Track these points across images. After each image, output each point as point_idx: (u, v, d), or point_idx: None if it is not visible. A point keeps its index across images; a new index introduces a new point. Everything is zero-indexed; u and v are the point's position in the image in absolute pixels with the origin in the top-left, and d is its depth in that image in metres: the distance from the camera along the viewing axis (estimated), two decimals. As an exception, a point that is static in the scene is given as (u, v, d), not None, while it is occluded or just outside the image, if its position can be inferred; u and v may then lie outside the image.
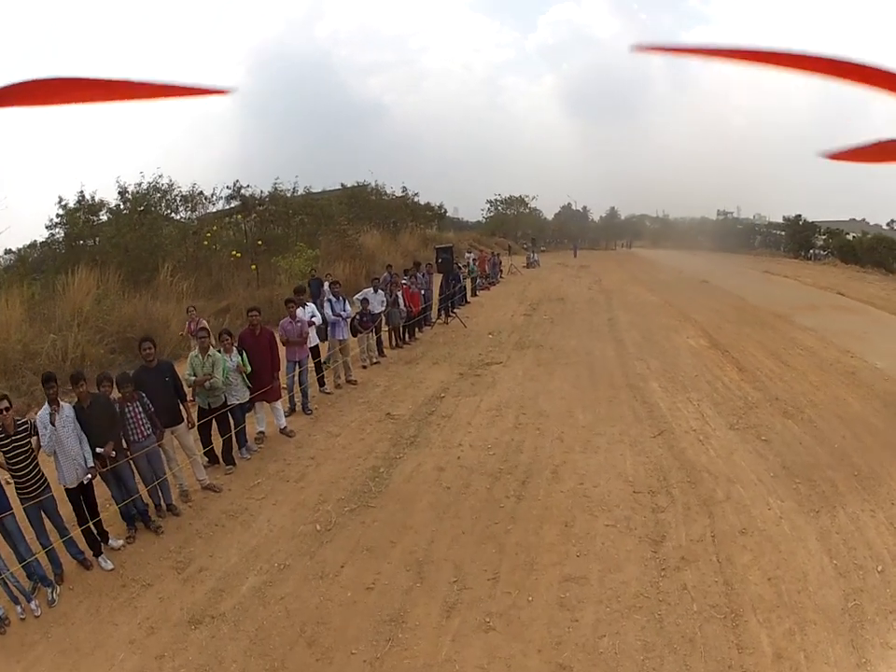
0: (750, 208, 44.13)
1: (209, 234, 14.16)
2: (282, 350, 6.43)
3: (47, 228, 14.15)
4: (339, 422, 6.75)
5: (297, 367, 6.76)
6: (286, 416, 6.48)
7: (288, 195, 17.62)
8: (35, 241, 15.82)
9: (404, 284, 10.52)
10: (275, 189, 17.31)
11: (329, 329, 7.85)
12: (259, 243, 14.94)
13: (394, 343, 10.15)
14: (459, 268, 14.81)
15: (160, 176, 14.64)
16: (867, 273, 25.26)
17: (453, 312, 12.79)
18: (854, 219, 37.74)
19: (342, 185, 25.22)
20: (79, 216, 13.60)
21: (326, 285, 9.11)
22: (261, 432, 6.13)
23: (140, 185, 14.28)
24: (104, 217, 13.84)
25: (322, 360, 7.74)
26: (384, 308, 9.33)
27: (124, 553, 4.36)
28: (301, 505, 4.99)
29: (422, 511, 4.86)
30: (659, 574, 4.03)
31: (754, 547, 4.29)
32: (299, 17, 71.62)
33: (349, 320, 8.18)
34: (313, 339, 7.20)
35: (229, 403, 5.53)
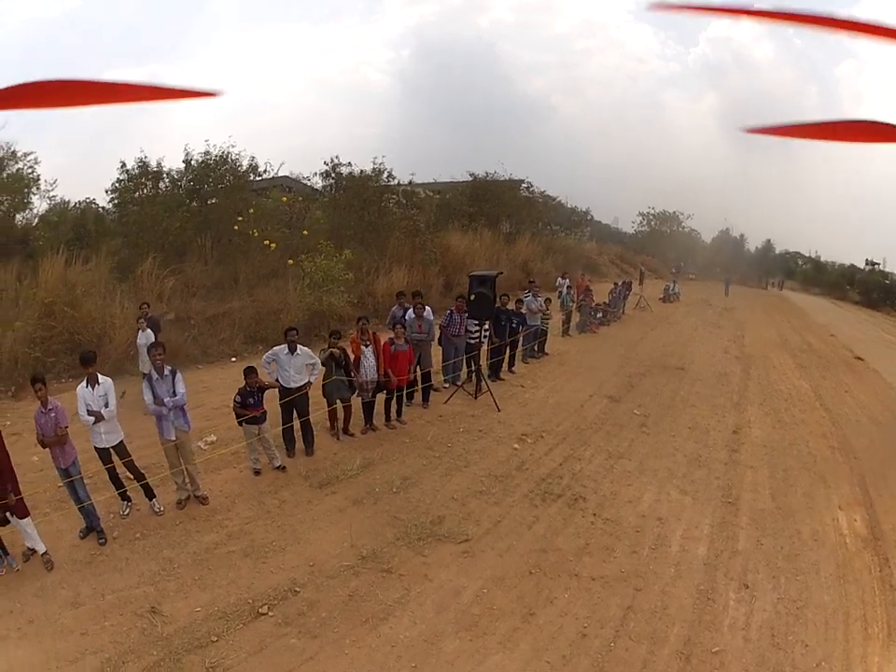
0: (902, 262, 37.57)
1: (241, 218, 12.09)
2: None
3: (107, 192, 12.81)
4: (101, 586, 3.93)
5: (67, 475, 4.45)
6: (81, 535, 4.52)
7: (385, 180, 15.11)
8: (89, 199, 14.85)
9: (384, 332, 6.99)
10: (374, 170, 14.90)
11: (157, 423, 4.98)
12: (305, 233, 12.58)
13: (336, 430, 6.45)
14: (505, 305, 8.90)
15: (232, 146, 12.91)
16: None
17: (492, 378, 8.61)
18: None
19: (470, 175, 20.93)
20: (138, 182, 12.21)
21: (140, 335, 7.00)
22: (31, 549, 4.22)
23: (208, 154, 12.58)
24: (161, 187, 12.42)
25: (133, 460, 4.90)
26: (312, 377, 5.85)
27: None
28: None
29: None
30: None
31: None
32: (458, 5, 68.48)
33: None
34: (104, 434, 4.62)
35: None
